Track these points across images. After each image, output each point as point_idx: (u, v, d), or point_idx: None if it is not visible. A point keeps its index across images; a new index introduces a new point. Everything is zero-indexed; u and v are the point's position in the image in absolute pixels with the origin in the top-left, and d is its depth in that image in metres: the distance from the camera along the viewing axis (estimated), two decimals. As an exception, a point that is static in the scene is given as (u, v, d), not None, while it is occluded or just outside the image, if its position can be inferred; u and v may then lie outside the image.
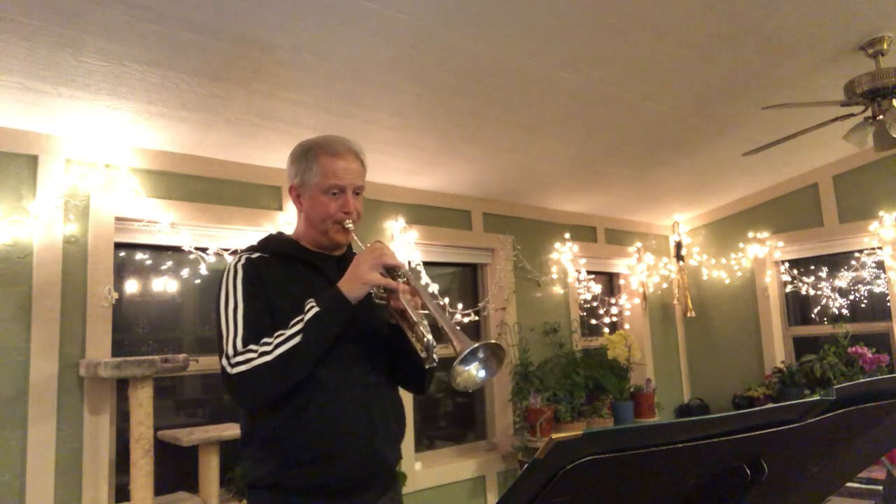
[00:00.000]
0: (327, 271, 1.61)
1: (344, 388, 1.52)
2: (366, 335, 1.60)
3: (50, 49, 2.21)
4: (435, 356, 1.50)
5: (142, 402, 2.59)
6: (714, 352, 5.60)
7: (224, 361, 1.45)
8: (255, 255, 1.60)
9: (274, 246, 1.65)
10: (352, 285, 1.49)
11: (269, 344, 1.44)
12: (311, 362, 1.46)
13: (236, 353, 1.44)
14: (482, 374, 1.42)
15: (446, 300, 4.07)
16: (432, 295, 1.66)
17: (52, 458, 2.64)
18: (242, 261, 1.57)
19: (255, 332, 1.47)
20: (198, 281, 3.26)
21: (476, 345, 1.38)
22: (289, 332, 1.45)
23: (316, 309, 1.46)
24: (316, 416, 1.48)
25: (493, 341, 1.42)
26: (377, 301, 1.56)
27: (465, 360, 1.38)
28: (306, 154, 1.63)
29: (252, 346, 1.44)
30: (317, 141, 1.65)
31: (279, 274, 1.57)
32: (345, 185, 1.59)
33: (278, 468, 1.49)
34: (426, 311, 1.53)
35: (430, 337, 1.49)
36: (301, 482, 1.49)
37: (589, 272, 5.05)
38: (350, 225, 1.61)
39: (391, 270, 1.54)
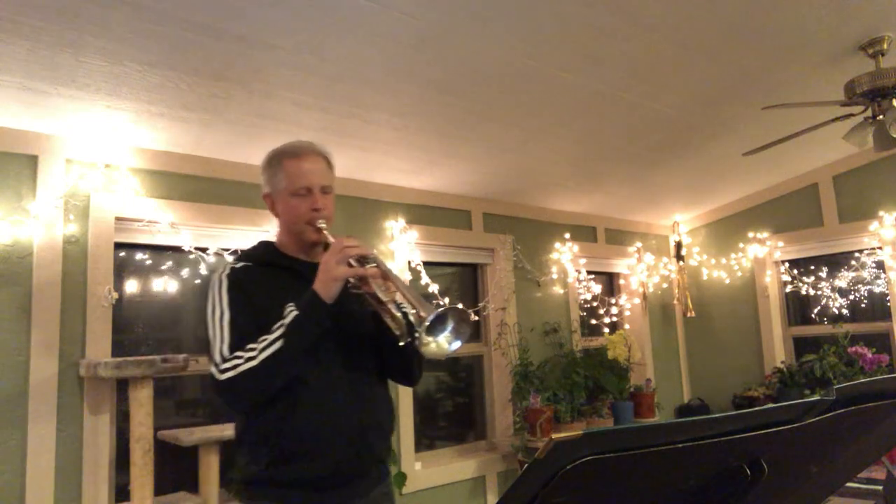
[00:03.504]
0: (308, 276, 1.64)
1: (330, 388, 1.59)
2: (351, 336, 1.66)
3: (50, 49, 2.21)
4: (416, 334, 1.54)
5: (142, 402, 2.59)
6: (714, 352, 5.60)
7: (213, 369, 1.53)
8: (240, 264, 1.68)
9: (257, 254, 1.73)
10: (324, 284, 1.55)
11: (254, 349, 1.50)
12: (294, 364, 1.53)
13: (224, 360, 1.51)
14: (457, 342, 1.48)
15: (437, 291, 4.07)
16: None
17: (52, 458, 2.64)
18: (227, 271, 1.64)
19: (240, 338, 1.53)
20: (198, 281, 3.26)
21: (440, 310, 1.44)
22: (271, 337, 1.50)
23: (295, 312, 1.52)
24: (304, 413, 1.55)
25: (458, 307, 1.48)
26: (353, 292, 1.62)
27: (433, 328, 1.44)
28: (272, 162, 1.71)
29: (238, 353, 1.51)
30: (281, 148, 1.72)
31: (262, 281, 1.64)
32: (311, 184, 1.66)
33: (272, 463, 1.56)
34: (397, 291, 1.60)
35: (400, 314, 1.56)
36: (293, 476, 1.56)
37: (589, 272, 5.05)
38: (322, 224, 1.66)
39: (360, 260, 1.60)
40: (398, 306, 1.59)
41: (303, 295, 1.56)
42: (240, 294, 1.60)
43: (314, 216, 1.65)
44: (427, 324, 1.43)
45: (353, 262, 1.58)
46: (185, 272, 3.28)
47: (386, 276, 1.60)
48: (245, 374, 1.48)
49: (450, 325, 1.47)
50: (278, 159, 1.69)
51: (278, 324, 1.52)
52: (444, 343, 1.47)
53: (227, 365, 1.50)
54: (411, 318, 1.59)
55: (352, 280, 1.59)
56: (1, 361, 2.59)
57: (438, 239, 4.14)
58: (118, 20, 2.12)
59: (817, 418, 0.80)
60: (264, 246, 1.78)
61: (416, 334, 1.51)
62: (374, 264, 1.61)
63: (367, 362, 1.69)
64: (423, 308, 1.46)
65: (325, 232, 1.67)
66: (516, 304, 4.52)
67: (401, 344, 1.60)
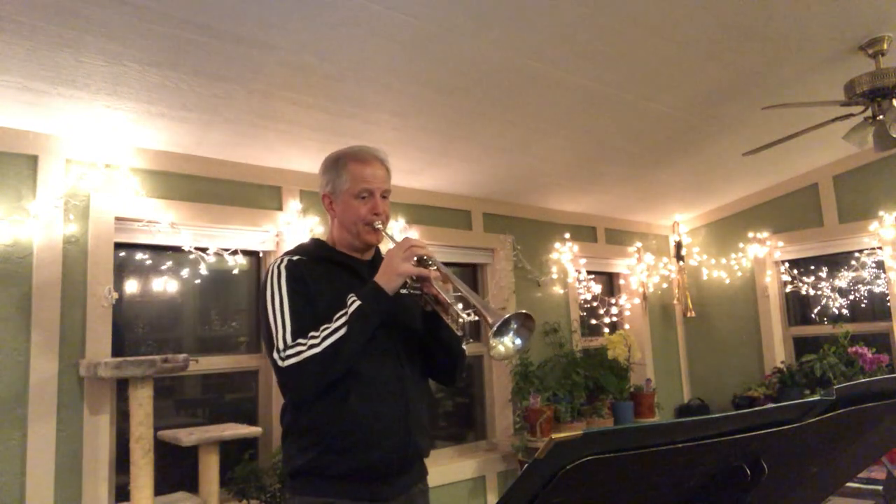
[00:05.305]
0: (360, 272, 1.72)
1: (381, 381, 1.64)
2: (400, 332, 1.72)
3: (50, 49, 2.21)
4: (468, 338, 1.65)
5: (142, 402, 2.59)
6: (714, 352, 5.59)
7: (275, 355, 1.55)
8: (296, 257, 1.72)
9: (311, 250, 1.78)
10: (388, 277, 1.61)
11: (316, 337, 1.54)
12: (356, 353, 1.56)
13: (287, 347, 1.55)
14: (518, 341, 1.51)
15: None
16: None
17: (52, 458, 2.64)
18: (285, 262, 1.69)
19: (301, 327, 1.57)
20: (198, 281, 3.25)
21: (507, 316, 1.47)
22: (334, 325, 1.55)
23: (358, 302, 1.57)
24: (356, 405, 1.59)
25: (522, 311, 1.50)
26: (410, 292, 1.69)
27: (500, 332, 1.48)
28: (336, 163, 1.76)
29: (301, 340, 1.55)
30: (345, 151, 1.79)
31: (318, 274, 1.69)
32: (373, 188, 1.72)
33: (319, 455, 1.60)
34: (458, 294, 1.64)
35: (465, 316, 1.59)
36: (340, 467, 1.59)
37: (589, 272, 5.05)
38: (380, 226, 1.73)
39: (421, 260, 1.65)
40: (456, 308, 1.62)
41: (362, 287, 1.61)
42: (298, 284, 1.64)
43: (373, 218, 1.72)
44: (494, 329, 1.46)
45: (417, 261, 1.64)
46: (185, 272, 3.28)
47: (446, 278, 1.64)
48: (309, 361, 1.52)
49: (513, 327, 1.50)
50: (343, 161, 1.75)
51: (341, 312, 1.56)
52: (508, 344, 1.50)
53: (291, 352, 1.53)
54: (467, 318, 1.63)
55: (410, 280, 1.64)
56: (1, 361, 2.59)
57: (438, 239, 4.14)
58: (118, 20, 2.12)
59: (817, 418, 0.80)
60: (317, 242, 1.84)
61: (464, 337, 1.61)
62: (435, 267, 1.66)
63: (414, 359, 1.74)
64: (489, 314, 1.50)
65: (383, 232, 1.75)
66: (516, 304, 4.51)
67: (464, 346, 1.66)
